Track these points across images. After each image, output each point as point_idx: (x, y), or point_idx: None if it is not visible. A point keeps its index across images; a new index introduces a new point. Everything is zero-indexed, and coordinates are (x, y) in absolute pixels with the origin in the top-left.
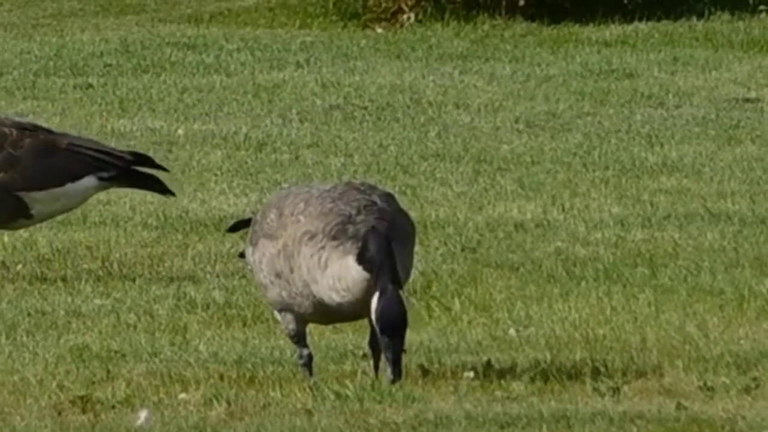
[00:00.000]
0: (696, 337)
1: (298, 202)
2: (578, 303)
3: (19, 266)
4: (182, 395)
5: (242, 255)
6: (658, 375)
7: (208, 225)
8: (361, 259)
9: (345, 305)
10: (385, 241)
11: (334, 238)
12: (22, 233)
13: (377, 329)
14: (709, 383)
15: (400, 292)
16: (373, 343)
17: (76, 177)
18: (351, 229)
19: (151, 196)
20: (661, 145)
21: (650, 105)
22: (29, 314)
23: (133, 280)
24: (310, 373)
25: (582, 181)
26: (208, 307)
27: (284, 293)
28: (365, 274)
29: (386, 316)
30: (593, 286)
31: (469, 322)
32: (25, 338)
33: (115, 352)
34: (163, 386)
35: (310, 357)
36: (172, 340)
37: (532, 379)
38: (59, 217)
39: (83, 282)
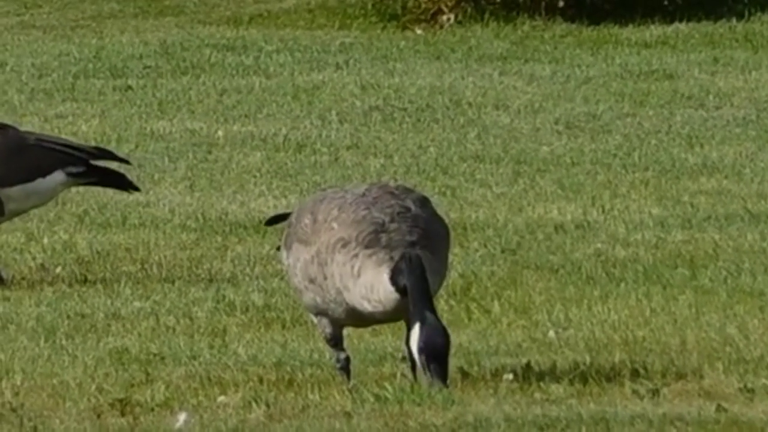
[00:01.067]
0: (736, 339)
1: (332, 208)
2: (617, 305)
3: (59, 269)
4: (221, 398)
5: (279, 249)
6: (697, 377)
7: (247, 227)
8: (394, 280)
9: (377, 314)
10: (418, 265)
11: (367, 246)
12: (62, 235)
13: (418, 358)
14: (749, 385)
15: (440, 319)
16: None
17: (46, 172)
18: (384, 237)
19: (189, 198)
20: (701, 146)
21: (690, 106)
22: (68, 317)
23: (173, 282)
24: (348, 377)
25: (622, 182)
26: (247, 309)
27: (318, 299)
28: (396, 295)
29: (430, 347)
30: (633, 287)
31: (509, 325)
32: (64, 341)
33: (154, 354)
34: (202, 389)
35: (347, 360)
36: (211, 343)
37: (572, 382)
38: (98, 220)
39: (122, 284)
